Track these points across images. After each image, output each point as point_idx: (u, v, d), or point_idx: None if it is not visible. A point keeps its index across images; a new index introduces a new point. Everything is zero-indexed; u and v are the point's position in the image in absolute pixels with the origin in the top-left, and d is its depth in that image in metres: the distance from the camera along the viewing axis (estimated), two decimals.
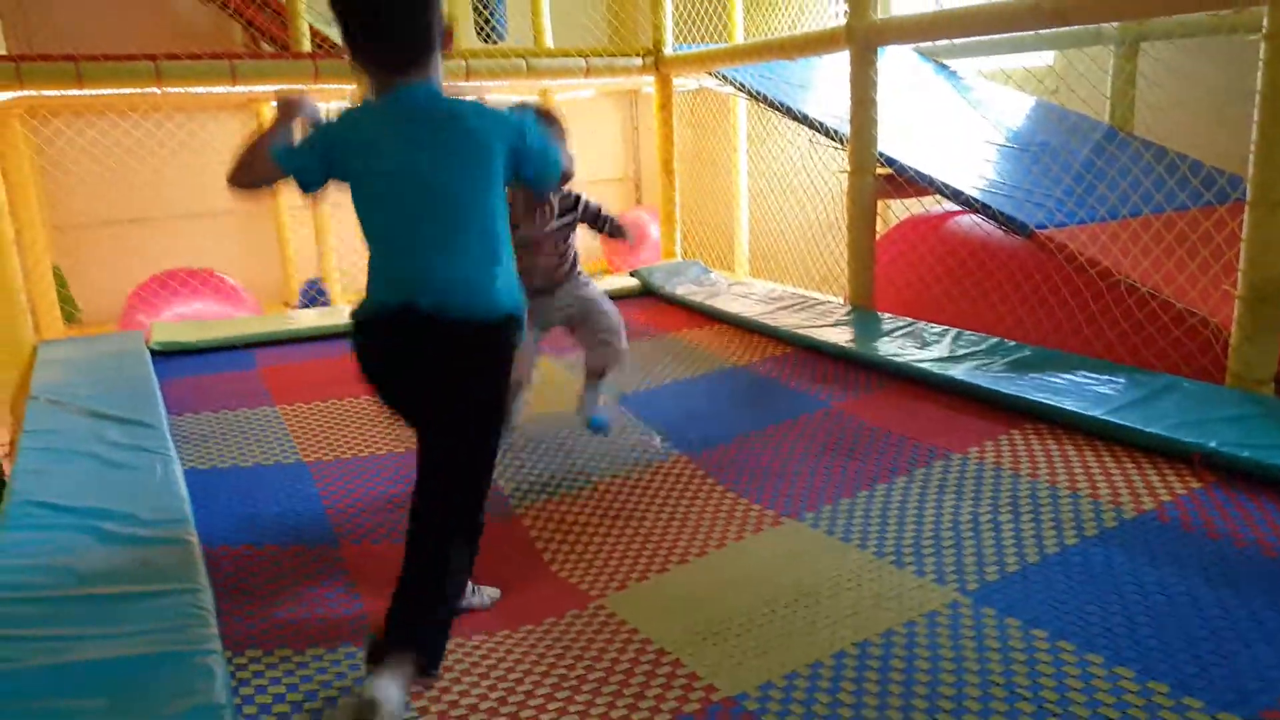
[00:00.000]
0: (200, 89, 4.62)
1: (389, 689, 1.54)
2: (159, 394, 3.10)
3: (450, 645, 1.76)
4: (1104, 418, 2.47)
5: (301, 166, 1.82)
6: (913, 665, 1.63)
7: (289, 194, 6.82)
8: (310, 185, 1.84)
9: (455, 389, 1.78)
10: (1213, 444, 2.24)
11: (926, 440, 2.63)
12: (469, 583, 1.96)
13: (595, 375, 2.94)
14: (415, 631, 1.67)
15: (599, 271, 7.28)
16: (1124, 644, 1.62)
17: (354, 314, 1.83)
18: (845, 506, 2.31)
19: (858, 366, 3.28)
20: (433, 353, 1.75)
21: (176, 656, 1.57)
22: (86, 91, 4.24)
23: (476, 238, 1.80)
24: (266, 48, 6.52)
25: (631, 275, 4.95)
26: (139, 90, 4.39)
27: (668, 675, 1.69)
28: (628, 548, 2.28)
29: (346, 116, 1.85)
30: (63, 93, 4.34)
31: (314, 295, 6.63)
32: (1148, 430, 2.37)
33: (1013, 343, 3.19)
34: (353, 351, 1.83)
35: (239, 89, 4.77)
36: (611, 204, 8.51)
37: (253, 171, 1.84)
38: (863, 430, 2.77)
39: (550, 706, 1.62)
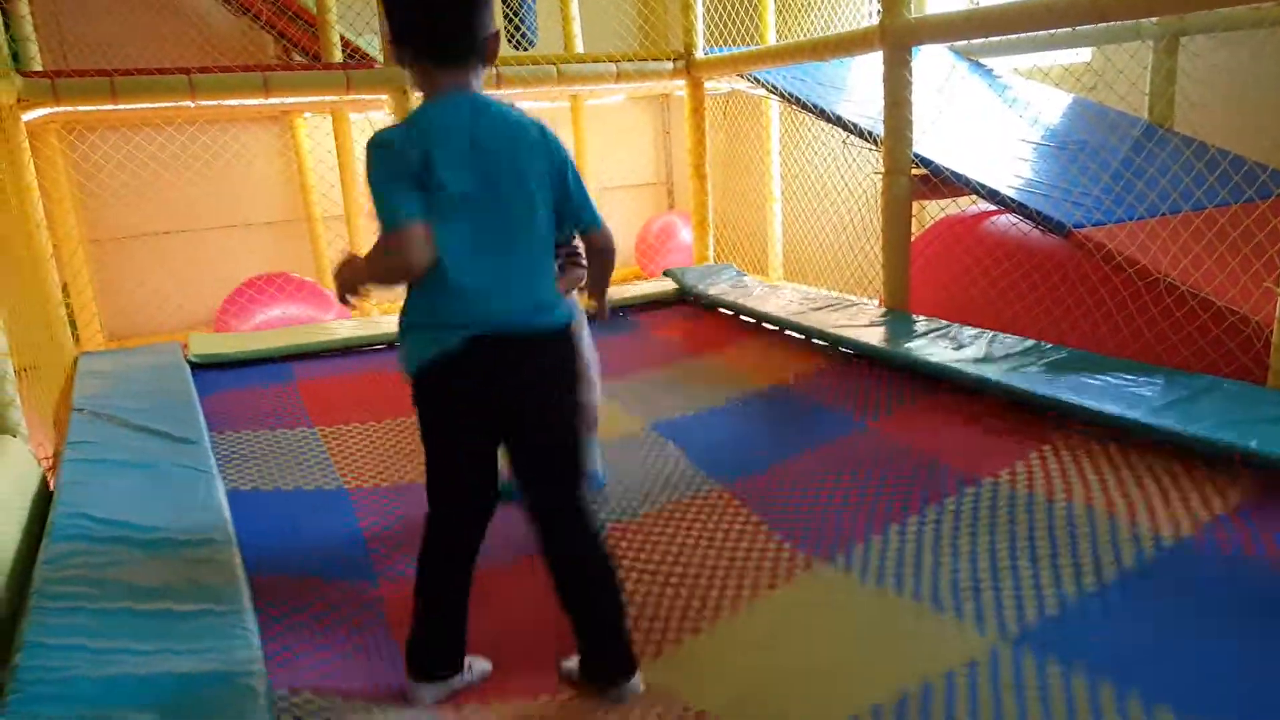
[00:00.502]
0: (233, 101, 4.66)
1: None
2: (199, 408, 3.12)
3: (491, 704, 1.81)
4: (1143, 420, 2.43)
5: (415, 212, 1.68)
6: (953, 716, 1.61)
7: (322, 204, 6.92)
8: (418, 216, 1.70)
9: (556, 400, 1.86)
10: (1253, 444, 2.19)
11: (960, 463, 2.57)
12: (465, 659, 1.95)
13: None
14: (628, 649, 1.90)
15: (632, 277, 7.28)
16: (1165, 684, 1.59)
17: (435, 343, 1.75)
18: (877, 546, 2.27)
19: (893, 375, 3.25)
20: (534, 367, 1.80)
21: (223, 676, 1.58)
22: (121, 106, 4.29)
23: (546, 252, 1.85)
24: (298, 59, 6.57)
25: (665, 275, 4.96)
26: (173, 104, 4.44)
27: None
28: (659, 601, 2.20)
29: (413, 133, 1.73)
30: (98, 108, 4.39)
31: None
32: (1188, 433, 2.32)
33: (1049, 345, 3.15)
34: (433, 378, 1.77)
35: (272, 100, 4.81)
36: (644, 209, 8.52)
37: (390, 269, 1.74)
38: (895, 454, 2.73)
39: None
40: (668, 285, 4.83)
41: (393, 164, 1.70)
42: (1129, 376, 2.76)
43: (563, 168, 1.86)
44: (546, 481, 1.87)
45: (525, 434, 1.85)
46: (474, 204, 1.73)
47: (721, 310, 4.38)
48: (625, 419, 3.28)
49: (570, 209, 1.88)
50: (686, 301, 4.70)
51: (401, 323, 1.82)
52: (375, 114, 6.13)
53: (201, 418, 3.03)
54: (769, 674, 1.87)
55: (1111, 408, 2.53)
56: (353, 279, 1.79)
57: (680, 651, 2.03)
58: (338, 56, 5.67)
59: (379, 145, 1.73)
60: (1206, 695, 1.55)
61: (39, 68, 4.52)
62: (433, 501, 1.90)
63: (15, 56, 4.09)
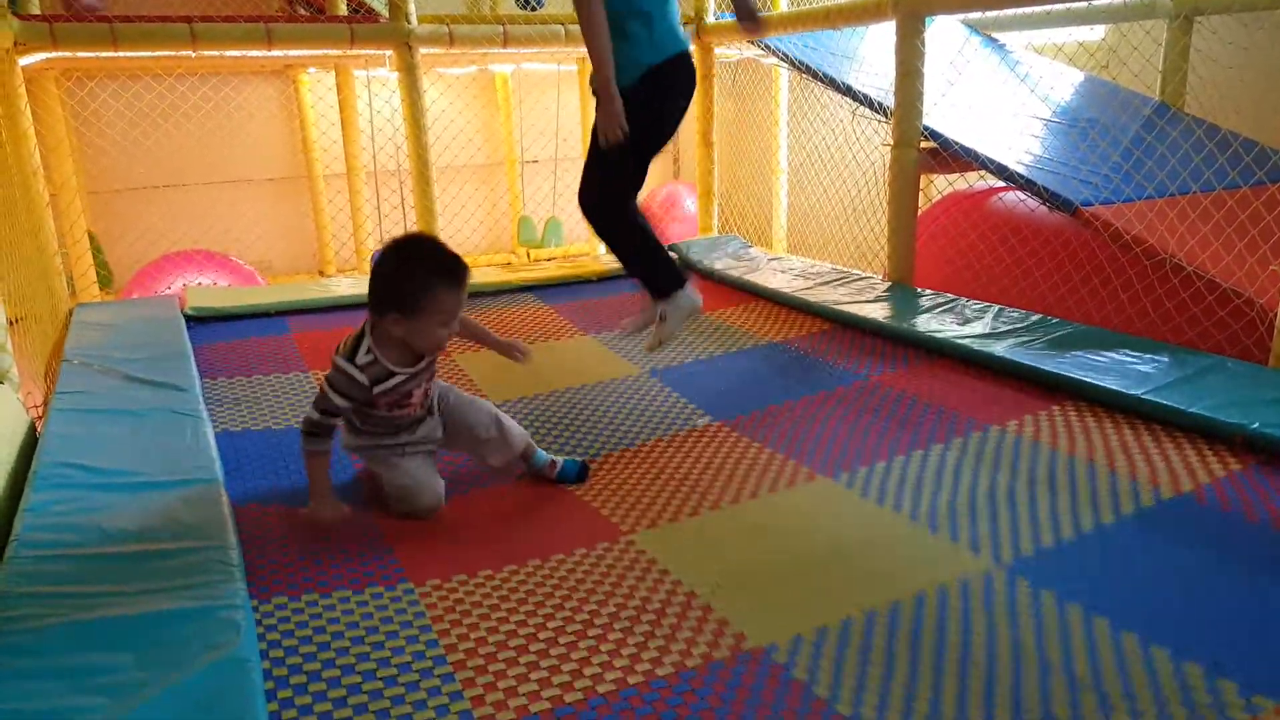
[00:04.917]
0: (235, 52, 4.59)
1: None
2: (192, 358, 3.10)
3: (479, 577, 1.86)
4: (1146, 396, 2.44)
5: None
6: (944, 628, 1.61)
7: (324, 160, 6.85)
8: None
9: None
10: (1255, 425, 2.20)
11: (965, 412, 2.59)
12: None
13: (520, 463, 2.39)
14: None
15: None
16: (1160, 623, 1.59)
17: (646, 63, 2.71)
18: (880, 470, 2.29)
19: (897, 342, 3.24)
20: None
21: (204, 611, 1.56)
22: (121, 53, 4.23)
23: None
24: (302, 11, 6.50)
25: (670, 249, 4.86)
26: (174, 53, 4.38)
27: (698, 620, 1.68)
28: (660, 491, 2.26)
29: None
30: (97, 54, 4.33)
31: None
32: (1190, 410, 2.33)
33: (1055, 319, 3.13)
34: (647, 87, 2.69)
35: (274, 53, 4.74)
36: (649, 178, 8.44)
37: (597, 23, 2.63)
38: (901, 400, 2.74)
39: (581, 645, 1.62)
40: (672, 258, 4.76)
41: None
42: (1134, 353, 2.76)
43: None
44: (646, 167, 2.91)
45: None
46: None
47: (726, 284, 4.33)
48: (622, 364, 3.27)
49: None
50: (690, 269, 4.64)
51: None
52: (378, 71, 6.06)
53: (194, 366, 3.01)
54: (762, 563, 1.89)
55: (1114, 383, 2.53)
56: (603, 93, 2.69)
57: (675, 530, 2.06)
58: (342, 10, 5.61)
59: None
60: (1204, 636, 1.55)
61: (37, 11, 4.44)
62: (619, 184, 2.90)
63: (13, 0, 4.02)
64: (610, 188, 2.91)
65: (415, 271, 2.02)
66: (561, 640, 1.63)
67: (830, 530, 2.01)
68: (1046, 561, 1.83)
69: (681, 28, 2.79)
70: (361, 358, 2.05)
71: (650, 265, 2.94)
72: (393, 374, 2.08)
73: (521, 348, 2.50)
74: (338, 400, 2.04)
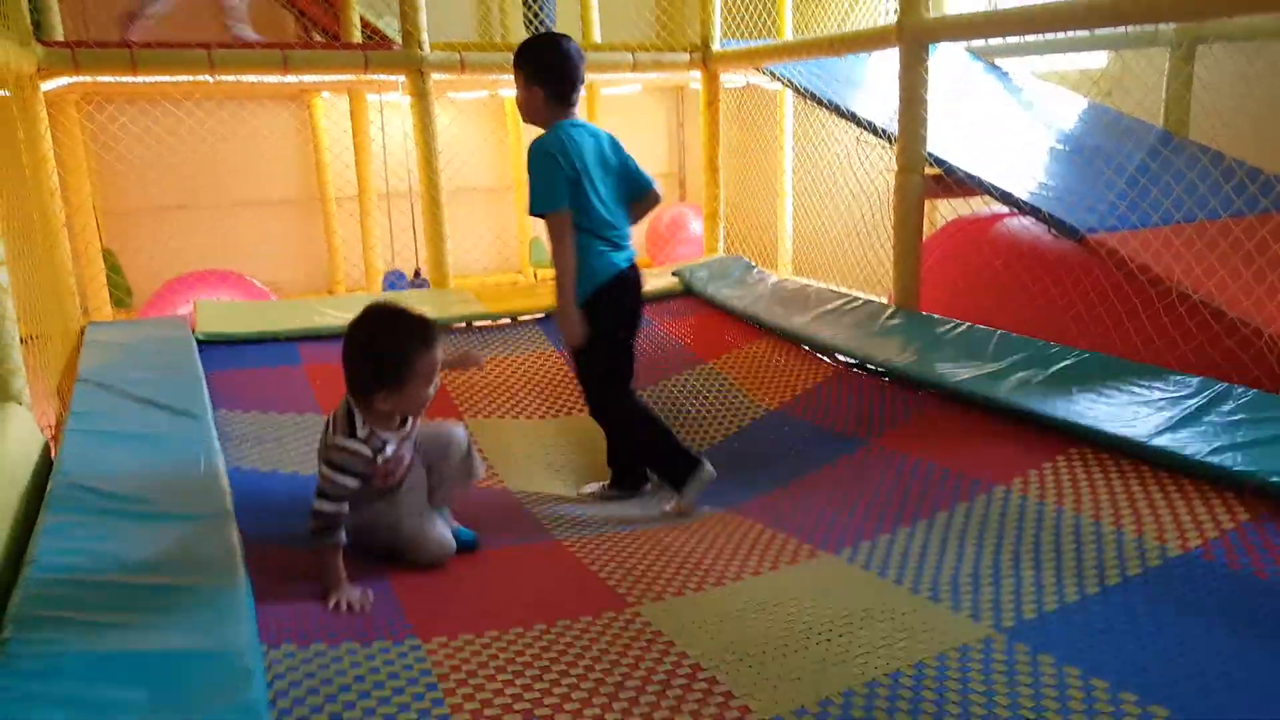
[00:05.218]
0: (252, 77, 4.67)
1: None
2: (204, 383, 3.11)
3: (486, 637, 1.85)
4: (1153, 443, 2.35)
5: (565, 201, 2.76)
6: (944, 697, 1.63)
7: (337, 184, 6.93)
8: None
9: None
10: (1265, 473, 2.11)
11: (971, 472, 2.56)
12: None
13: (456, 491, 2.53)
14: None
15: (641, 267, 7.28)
16: (1159, 685, 1.59)
17: (598, 278, 2.83)
18: (883, 543, 2.29)
19: (902, 385, 3.17)
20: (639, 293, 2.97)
21: (216, 653, 1.57)
22: (141, 78, 4.30)
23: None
24: (318, 38, 6.59)
25: (674, 274, 4.83)
26: (192, 78, 4.45)
27: (704, 691, 1.69)
28: (665, 566, 2.28)
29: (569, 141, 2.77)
30: (118, 79, 4.40)
31: (394, 285, 6.60)
32: (1200, 459, 2.23)
33: (1060, 347, 3.10)
34: (605, 300, 2.83)
35: (290, 78, 4.82)
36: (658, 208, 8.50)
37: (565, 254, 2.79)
38: (904, 466, 2.72)
39: (587, 713, 1.62)
40: (673, 282, 4.70)
41: (563, 174, 2.76)
42: (1141, 383, 2.71)
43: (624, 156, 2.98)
44: (630, 359, 3.00)
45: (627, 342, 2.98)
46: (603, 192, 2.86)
47: (729, 312, 4.28)
48: None
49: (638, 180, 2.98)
50: (693, 296, 4.59)
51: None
52: (391, 95, 6.13)
53: (206, 393, 3.03)
54: (765, 636, 1.89)
55: (1122, 427, 2.46)
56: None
57: (680, 603, 2.07)
58: (357, 37, 5.69)
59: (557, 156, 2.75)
60: (1206, 702, 1.54)
61: (60, 38, 4.52)
62: (611, 384, 2.94)
63: (37, 26, 4.10)
64: (605, 388, 2.98)
65: (390, 345, 2.07)
66: (567, 707, 1.63)
67: (833, 604, 2.02)
68: (1048, 626, 1.83)
69: (629, 242, 3.00)
70: (360, 432, 2.09)
71: (665, 455, 2.91)
72: (387, 441, 2.13)
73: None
74: (348, 482, 2.06)
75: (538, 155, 2.74)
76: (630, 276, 2.92)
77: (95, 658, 1.52)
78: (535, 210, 2.77)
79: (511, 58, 2.91)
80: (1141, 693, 1.56)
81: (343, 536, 2.05)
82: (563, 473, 3.21)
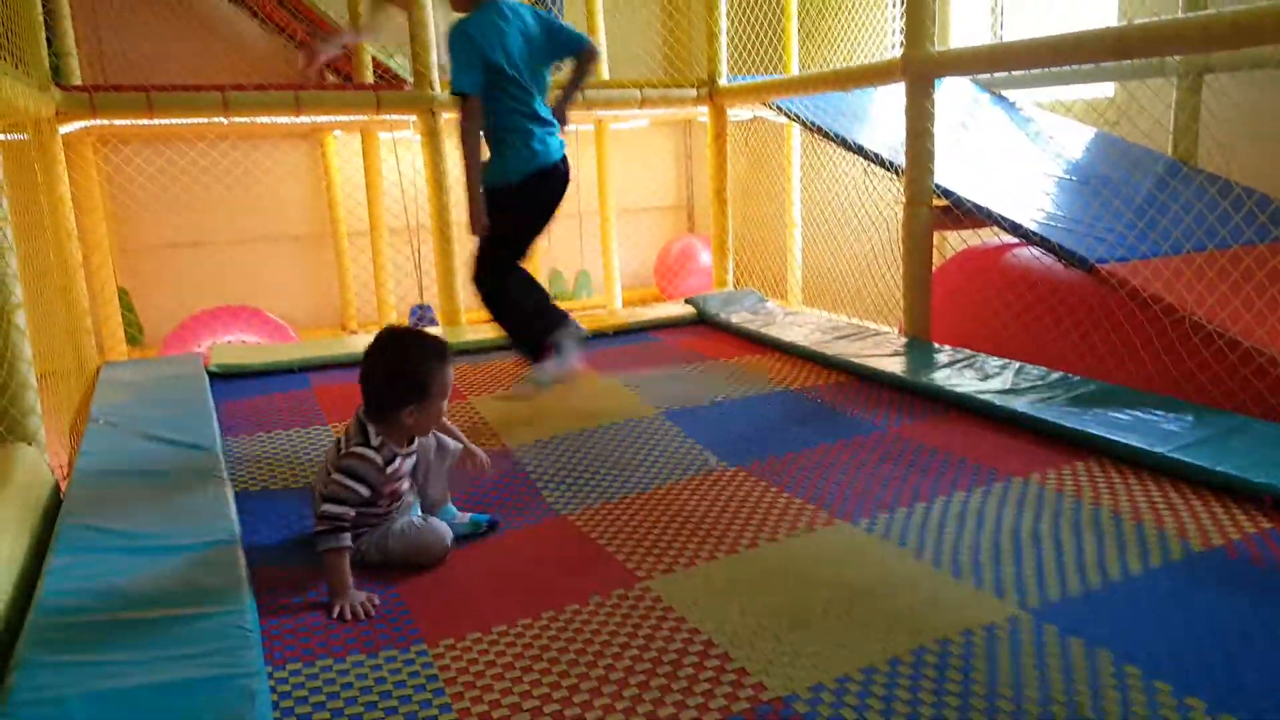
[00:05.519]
0: (266, 118, 4.73)
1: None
2: (214, 417, 3.14)
3: (494, 633, 1.87)
4: (1171, 454, 2.42)
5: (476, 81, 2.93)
6: (970, 676, 1.59)
7: (349, 222, 6.99)
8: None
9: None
10: None
11: (988, 463, 2.59)
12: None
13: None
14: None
15: (651, 299, 7.31)
16: (1194, 674, 1.56)
17: (534, 164, 3.06)
18: (901, 515, 2.28)
19: (915, 395, 3.25)
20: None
21: (219, 680, 1.58)
22: (157, 121, 4.37)
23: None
24: (330, 78, 6.66)
25: (686, 303, 4.92)
26: (207, 119, 4.51)
27: (716, 670, 1.66)
28: (675, 535, 2.26)
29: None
30: (134, 122, 4.47)
31: (420, 319, 6.63)
32: (1217, 469, 2.31)
33: (1076, 377, 3.14)
34: (529, 187, 3.08)
35: (303, 119, 4.88)
36: (664, 231, 8.57)
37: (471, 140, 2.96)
38: (921, 450, 2.73)
39: (596, 703, 1.60)
40: (687, 311, 4.81)
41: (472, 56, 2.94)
42: (1157, 412, 2.75)
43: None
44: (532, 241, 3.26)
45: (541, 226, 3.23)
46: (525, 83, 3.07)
47: (742, 337, 4.36)
48: (637, 404, 3.29)
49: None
50: (706, 323, 4.69)
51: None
52: (403, 134, 6.20)
53: (216, 425, 3.05)
54: (780, 609, 1.86)
55: (1139, 440, 2.53)
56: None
57: (691, 575, 2.04)
58: (369, 77, 5.75)
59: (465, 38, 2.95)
60: (1244, 690, 1.52)
61: (78, 82, 4.59)
62: (503, 259, 3.19)
63: (56, 70, 4.17)
64: (490, 267, 3.24)
65: (418, 361, 2.15)
66: (576, 699, 1.62)
67: (851, 576, 1.99)
68: (1074, 608, 1.80)
69: (559, 140, 3.16)
70: (374, 440, 2.13)
71: (521, 333, 3.31)
72: (396, 455, 2.17)
73: (479, 456, 2.45)
74: (359, 488, 2.09)
75: (458, 36, 2.88)
76: (561, 169, 3.10)
77: (101, 695, 1.54)
78: (455, 88, 2.92)
79: None
80: (1175, 682, 1.53)
81: (349, 540, 2.07)
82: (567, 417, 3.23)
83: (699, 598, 1.94)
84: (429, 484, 2.37)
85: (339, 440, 2.19)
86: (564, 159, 3.17)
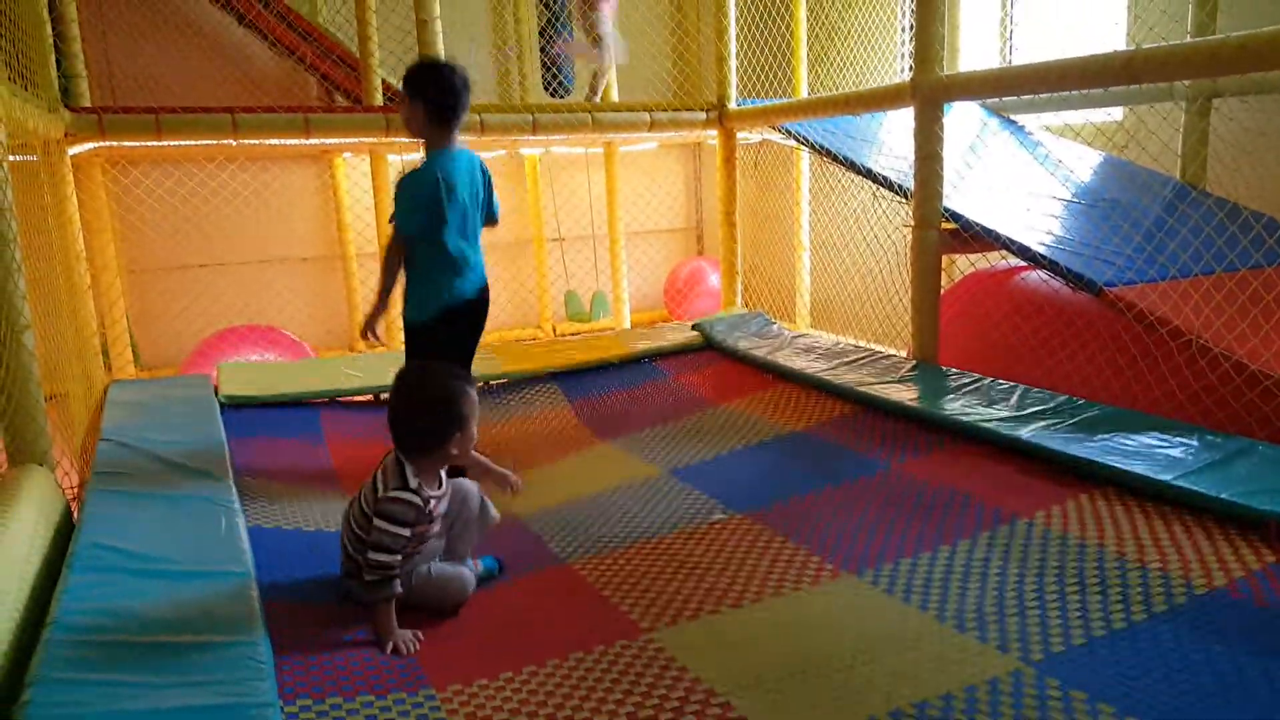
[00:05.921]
0: (275, 140, 4.75)
1: None
2: (226, 446, 3.13)
3: (500, 680, 1.87)
4: (1176, 482, 2.40)
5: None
6: None
7: (357, 242, 7.02)
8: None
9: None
10: None
11: (992, 502, 2.56)
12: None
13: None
14: None
15: (659, 320, 7.31)
16: None
17: (449, 300, 3.11)
18: (906, 567, 2.27)
19: (922, 425, 3.22)
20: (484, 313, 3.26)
21: (232, 709, 1.58)
22: (166, 142, 4.39)
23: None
24: (340, 101, 6.70)
25: (694, 327, 4.86)
26: (216, 141, 4.53)
27: (717, 719, 1.66)
28: (680, 587, 2.26)
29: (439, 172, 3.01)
30: (143, 143, 4.49)
31: None
32: (1222, 496, 2.29)
33: (1083, 401, 3.11)
34: (449, 319, 3.12)
35: (312, 141, 4.90)
36: (673, 254, 8.58)
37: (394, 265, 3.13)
38: (925, 490, 2.71)
39: None
40: (694, 336, 4.75)
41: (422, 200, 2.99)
42: (1163, 436, 2.73)
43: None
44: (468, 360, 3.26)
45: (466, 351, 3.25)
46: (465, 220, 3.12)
47: (750, 364, 4.32)
48: (642, 466, 3.28)
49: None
50: (713, 348, 4.64)
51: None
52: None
53: (228, 453, 3.05)
54: (784, 661, 1.86)
55: (1144, 468, 2.50)
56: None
57: (695, 626, 2.05)
58: (378, 100, 5.78)
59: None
60: None
61: (88, 104, 4.62)
62: None
63: (65, 92, 4.20)
64: None
65: (450, 392, 2.19)
66: None
67: (854, 629, 1.99)
68: (1077, 660, 1.79)
69: (482, 266, 3.25)
70: (412, 481, 2.14)
71: None
72: (431, 497, 2.18)
73: (511, 479, 2.55)
74: (403, 532, 2.11)
75: (409, 184, 3.03)
76: (476, 303, 3.21)
77: (117, 716, 1.54)
78: (396, 226, 3.07)
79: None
80: None
81: (398, 587, 2.09)
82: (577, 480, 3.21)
83: (703, 649, 1.95)
84: (461, 539, 2.37)
85: (373, 483, 2.18)
86: (483, 289, 3.23)
